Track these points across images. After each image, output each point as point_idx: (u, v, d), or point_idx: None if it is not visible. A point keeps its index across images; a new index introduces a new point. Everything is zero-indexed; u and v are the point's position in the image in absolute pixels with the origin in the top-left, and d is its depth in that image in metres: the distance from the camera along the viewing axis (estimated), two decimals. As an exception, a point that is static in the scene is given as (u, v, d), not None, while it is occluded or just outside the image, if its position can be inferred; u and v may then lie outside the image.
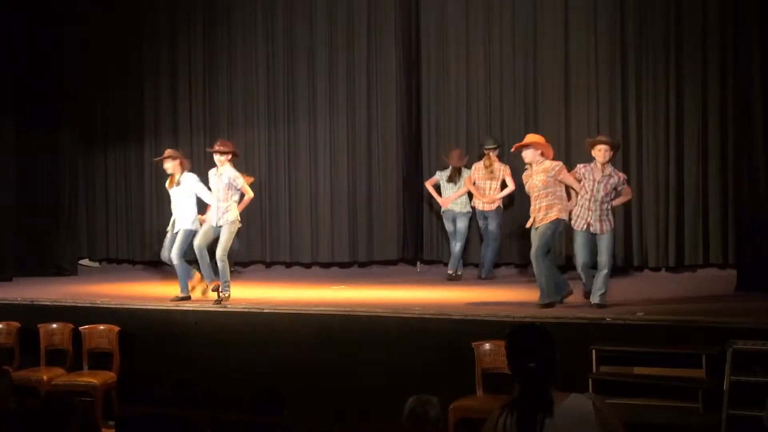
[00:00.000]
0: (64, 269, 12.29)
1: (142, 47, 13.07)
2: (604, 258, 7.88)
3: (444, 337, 7.53)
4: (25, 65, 11.99)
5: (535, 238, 8.06)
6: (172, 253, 9.16)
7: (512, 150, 8.65)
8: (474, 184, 10.71)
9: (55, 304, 9.25)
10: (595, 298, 7.86)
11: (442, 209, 10.95)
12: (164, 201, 12.74)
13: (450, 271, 10.73)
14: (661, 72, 10.38)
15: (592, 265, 8.00)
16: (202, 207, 9.52)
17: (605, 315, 7.35)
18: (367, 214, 11.96)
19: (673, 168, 10.37)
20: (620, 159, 10.47)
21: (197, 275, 9.32)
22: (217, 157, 9.03)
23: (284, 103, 12.38)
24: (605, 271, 7.86)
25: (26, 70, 12.01)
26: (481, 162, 10.69)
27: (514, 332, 3.46)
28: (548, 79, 10.98)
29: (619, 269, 10.32)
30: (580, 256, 8.02)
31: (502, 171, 10.63)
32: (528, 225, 8.23)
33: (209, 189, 9.20)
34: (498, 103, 11.30)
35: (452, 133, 11.50)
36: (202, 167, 12.72)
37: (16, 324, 8.80)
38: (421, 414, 4.78)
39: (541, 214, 8.05)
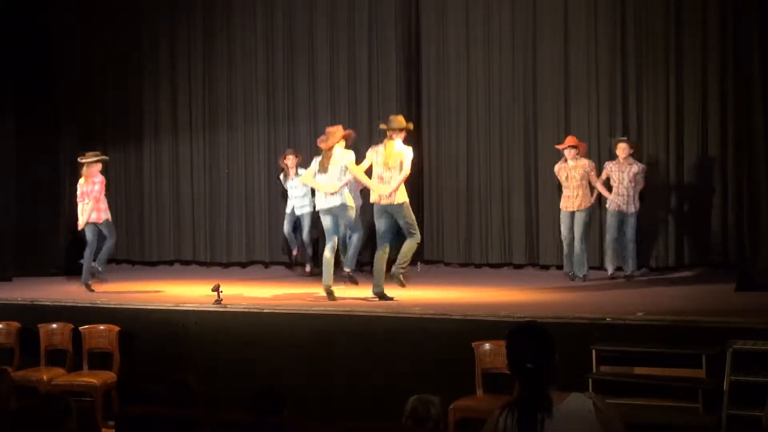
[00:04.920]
0: (64, 269, 12.28)
1: (142, 47, 13.08)
2: (630, 233, 9.84)
3: (444, 337, 7.52)
4: (25, 65, 11.99)
5: (579, 223, 9.98)
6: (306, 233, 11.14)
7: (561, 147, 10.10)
8: (378, 175, 8.76)
9: (55, 304, 9.24)
10: (628, 268, 9.89)
11: (318, 205, 9.11)
12: (164, 201, 12.81)
13: (349, 269, 9.19)
14: (661, 71, 10.39)
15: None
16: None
17: (605, 315, 7.35)
18: (368, 213, 11.94)
19: (673, 167, 10.38)
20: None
21: None
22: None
23: (284, 103, 12.38)
24: (632, 245, 9.87)
25: (26, 70, 12.01)
26: (381, 146, 8.79)
27: (514, 332, 3.45)
28: (548, 79, 10.98)
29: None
30: (611, 233, 9.92)
31: (403, 154, 8.65)
32: (566, 209, 10.06)
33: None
34: (498, 102, 11.30)
35: (452, 133, 11.51)
36: (202, 166, 12.82)
37: (16, 324, 8.80)
38: (422, 414, 4.78)
39: (579, 201, 9.97)
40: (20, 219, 12.06)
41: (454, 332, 7.48)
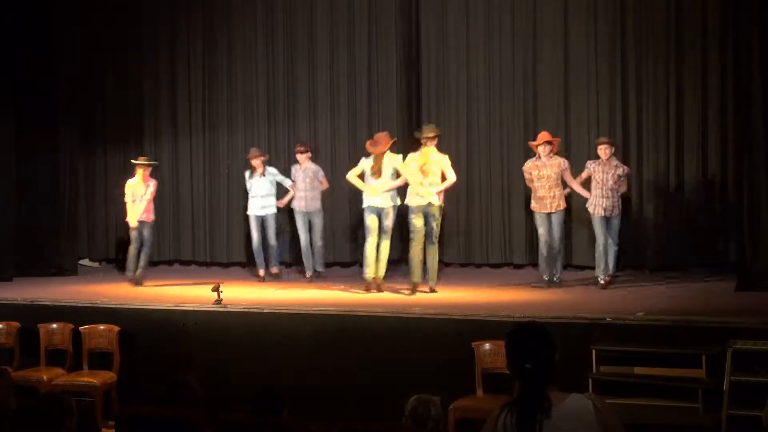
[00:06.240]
0: (64, 269, 12.28)
1: (141, 47, 13.07)
2: (614, 238, 9.43)
3: (444, 337, 7.53)
4: (25, 65, 11.98)
5: (557, 226, 9.51)
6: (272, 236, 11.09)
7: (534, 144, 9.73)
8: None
9: (55, 304, 9.25)
10: (607, 272, 9.35)
11: (366, 202, 9.64)
12: (164, 201, 12.78)
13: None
14: (661, 72, 10.39)
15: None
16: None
17: (605, 315, 7.36)
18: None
19: (673, 168, 10.38)
20: (620, 158, 10.45)
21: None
22: (298, 156, 11.00)
23: (284, 103, 12.38)
24: (615, 249, 9.50)
25: (26, 70, 12.00)
26: (417, 153, 9.40)
27: (514, 332, 3.45)
28: (548, 79, 10.98)
29: (619, 269, 10.34)
30: (601, 238, 9.36)
31: (441, 162, 9.34)
32: (540, 210, 9.54)
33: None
34: (498, 102, 11.30)
35: (452, 133, 11.48)
36: (201, 166, 12.82)
37: (16, 324, 8.79)
38: (422, 414, 4.78)
39: (556, 202, 9.48)
40: (20, 219, 12.05)
41: (454, 332, 7.49)
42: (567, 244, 10.68)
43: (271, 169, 11.20)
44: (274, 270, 11.25)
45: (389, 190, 9.46)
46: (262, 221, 11.15)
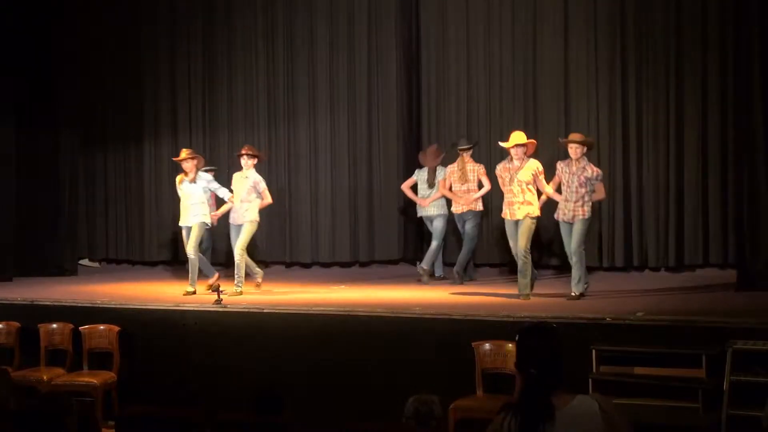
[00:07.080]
0: (64, 269, 12.29)
1: (141, 47, 13.08)
2: (574, 245, 8.59)
3: (444, 337, 7.53)
4: (25, 66, 11.99)
5: (523, 233, 8.63)
6: (191, 246, 9.61)
7: (508, 146, 8.84)
8: (450, 189, 10.27)
9: (55, 304, 9.25)
10: (574, 289, 8.60)
11: (419, 212, 10.71)
12: (164, 201, 12.81)
13: (425, 266, 10.31)
14: (661, 72, 10.39)
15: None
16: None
17: (605, 315, 7.36)
18: (368, 213, 11.97)
19: (673, 167, 10.37)
20: (620, 159, 10.51)
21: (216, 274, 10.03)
22: (244, 161, 9.92)
23: (284, 103, 12.39)
24: (575, 258, 8.58)
25: (26, 70, 12.00)
26: (455, 164, 10.32)
27: (523, 333, 3.44)
28: (548, 79, 10.98)
29: (619, 269, 10.35)
30: (567, 245, 8.72)
31: (477, 171, 10.28)
32: (510, 217, 8.76)
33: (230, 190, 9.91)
34: (498, 103, 11.31)
35: (452, 133, 11.48)
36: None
37: (16, 324, 8.80)
38: (424, 414, 4.78)
39: (525, 209, 8.65)
40: (20, 219, 12.06)
41: (454, 332, 7.49)
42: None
43: (205, 175, 9.84)
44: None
45: (435, 199, 10.48)
46: (188, 232, 9.70)
